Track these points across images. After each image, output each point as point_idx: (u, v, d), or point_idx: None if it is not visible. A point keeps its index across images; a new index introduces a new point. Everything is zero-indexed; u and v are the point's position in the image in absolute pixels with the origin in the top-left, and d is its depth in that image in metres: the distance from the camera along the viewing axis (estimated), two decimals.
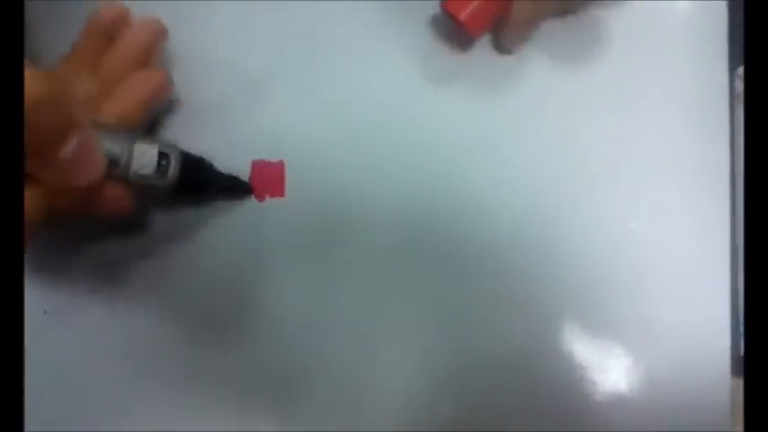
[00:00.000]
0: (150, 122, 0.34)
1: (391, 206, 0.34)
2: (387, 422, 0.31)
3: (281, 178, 0.34)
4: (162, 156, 0.28)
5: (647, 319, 0.33)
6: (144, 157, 0.28)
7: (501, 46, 0.36)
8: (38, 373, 0.31)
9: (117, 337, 0.32)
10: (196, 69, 0.35)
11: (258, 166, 0.34)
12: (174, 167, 0.29)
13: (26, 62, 0.20)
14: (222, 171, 0.33)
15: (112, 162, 0.26)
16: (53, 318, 0.32)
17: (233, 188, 0.34)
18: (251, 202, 0.34)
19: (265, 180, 0.34)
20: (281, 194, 0.34)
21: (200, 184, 0.32)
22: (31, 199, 0.24)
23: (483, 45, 0.36)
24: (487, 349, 0.32)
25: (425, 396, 0.32)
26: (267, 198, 0.34)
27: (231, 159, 0.33)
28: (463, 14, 0.33)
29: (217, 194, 0.34)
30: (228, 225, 0.34)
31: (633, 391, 0.32)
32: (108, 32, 0.32)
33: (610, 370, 0.32)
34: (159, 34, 0.33)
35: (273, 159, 0.34)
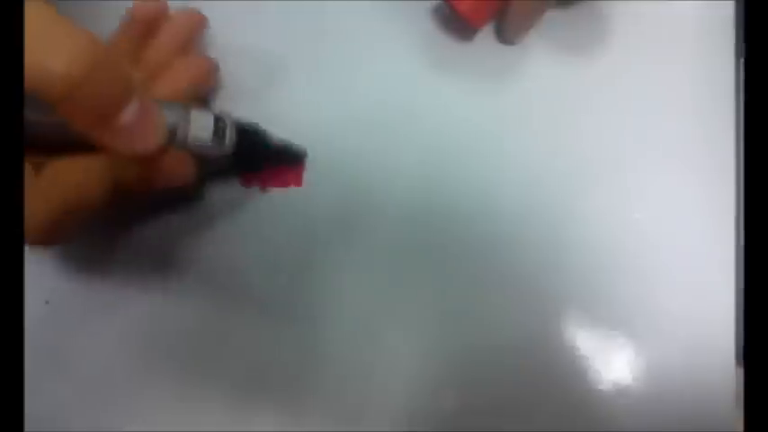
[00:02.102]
0: None
1: (395, 196, 0.34)
2: (392, 412, 0.31)
3: (301, 171, 0.34)
4: (218, 122, 0.28)
5: (651, 310, 0.32)
6: (201, 124, 0.27)
7: (503, 37, 0.36)
8: (39, 363, 0.32)
9: (118, 328, 0.33)
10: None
11: None
12: (230, 134, 0.29)
13: (82, 27, 0.20)
14: (276, 138, 0.32)
15: (170, 130, 0.26)
16: (54, 308, 0.33)
17: (288, 154, 0.34)
18: (258, 192, 0.34)
19: (285, 170, 0.34)
20: (299, 185, 0.34)
21: (257, 150, 0.31)
22: (98, 171, 0.25)
23: (488, 35, 0.36)
24: (493, 340, 0.32)
25: (431, 386, 0.32)
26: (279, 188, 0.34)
27: None
28: (464, 6, 0.33)
29: (272, 161, 0.34)
30: (232, 217, 0.34)
31: (638, 381, 0.31)
32: (146, 26, 0.32)
33: (614, 360, 0.32)
34: (199, 24, 0.34)
35: None
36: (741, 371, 0.31)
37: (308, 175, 0.34)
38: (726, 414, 0.31)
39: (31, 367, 0.30)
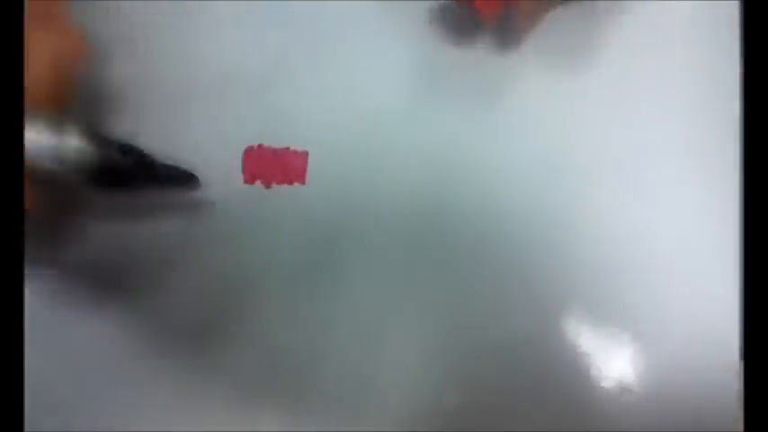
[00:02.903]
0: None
1: (397, 196, 0.34)
2: (395, 412, 0.31)
3: (304, 167, 0.34)
4: (62, 141, 0.24)
5: (655, 306, 0.32)
6: (38, 145, 0.23)
7: (509, 33, 0.35)
8: (41, 362, 0.32)
9: (119, 329, 0.32)
10: (204, 62, 0.36)
11: (281, 154, 0.35)
12: (79, 153, 0.24)
13: None
14: (161, 160, 0.29)
15: None
16: (57, 307, 0.33)
17: (174, 178, 0.30)
18: (258, 192, 0.34)
19: (288, 168, 0.35)
20: (303, 182, 0.34)
21: (128, 173, 0.27)
22: None
23: (488, 36, 0.36)
24: (495, 339, 0.32)
25: (434, 386, 0.32)
26: (286, 186, 0.34)
27: (238, 146, 0.34)
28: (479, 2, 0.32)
29: (153, 186, 0.30)
30: (234, 216, 0.34)
31: (641, 378, 0.31)
32: None
33: (617, 360, 0.32)
34: None
35: (299, 149, 0.35)
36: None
37: (308, 176, 0.34)
38: (729, 414, 0.31)
39: (33, 366, 0.30)
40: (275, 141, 0.35)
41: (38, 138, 0.23)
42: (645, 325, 0.32)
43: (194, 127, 0.35)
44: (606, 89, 0.35)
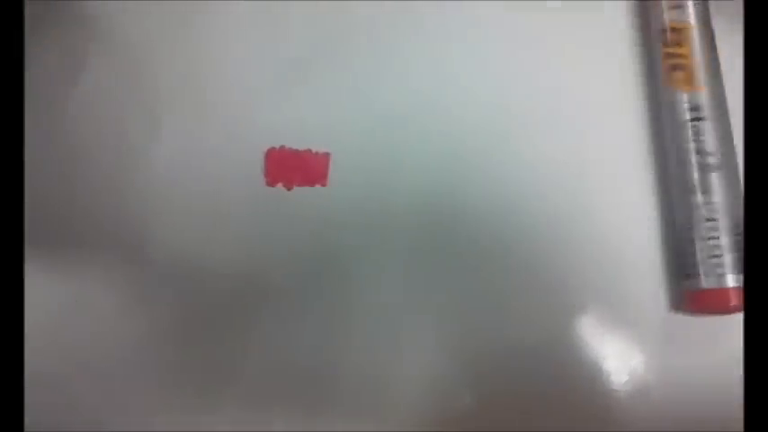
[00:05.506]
0: None
1: (419, 198, 0.34)
2: (409, 410, 0.31)
3: (326, 169, 0.34)
4: None
5: (663, 307, 0.32)
6: None
7: None
8: (51, 363, 0.32)
9: (131, 329, 0.33)
10: (225, 63, 0.36)
11: (302, 156, 0.35)
12: None
13: None
14: None
15: None
16: (64, 305, 0.33)
17: None
18: (280, 193, 0.34)
19: (310, 170, 0.35)
20: (325, 184, 0.34)
21: None
22: None
23: (504, 26, 0.35)
24: (509, 338, 0.32)
25: (448, 387, 0.31)
26: (308, 188, 0.34)
27: (258, 147, 0.34)
28: None
29: None
30: (253, 216, 0.34)
31: (654, 381, 0.31)
32: None
33: (630, 359, 0.31)
34: None
35: (320, 150, 0.35)
36: None
37: (330, 177, 0.34)
38: (732, 414, 0.29)
39: (37, 365, 0.30)
40: (297, 143, 0.35)
41: None
42: (654, 324, 0.32)
43: (216, 128, 0.35)
44: (616, 87, 0.35)
